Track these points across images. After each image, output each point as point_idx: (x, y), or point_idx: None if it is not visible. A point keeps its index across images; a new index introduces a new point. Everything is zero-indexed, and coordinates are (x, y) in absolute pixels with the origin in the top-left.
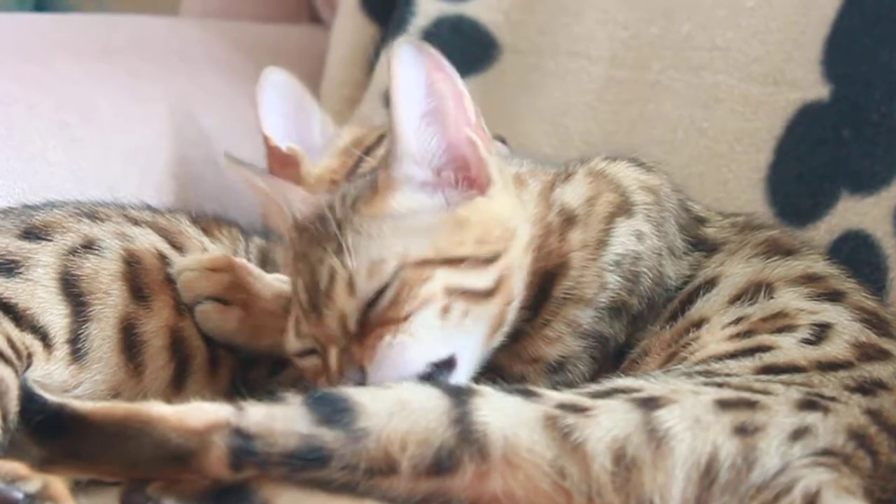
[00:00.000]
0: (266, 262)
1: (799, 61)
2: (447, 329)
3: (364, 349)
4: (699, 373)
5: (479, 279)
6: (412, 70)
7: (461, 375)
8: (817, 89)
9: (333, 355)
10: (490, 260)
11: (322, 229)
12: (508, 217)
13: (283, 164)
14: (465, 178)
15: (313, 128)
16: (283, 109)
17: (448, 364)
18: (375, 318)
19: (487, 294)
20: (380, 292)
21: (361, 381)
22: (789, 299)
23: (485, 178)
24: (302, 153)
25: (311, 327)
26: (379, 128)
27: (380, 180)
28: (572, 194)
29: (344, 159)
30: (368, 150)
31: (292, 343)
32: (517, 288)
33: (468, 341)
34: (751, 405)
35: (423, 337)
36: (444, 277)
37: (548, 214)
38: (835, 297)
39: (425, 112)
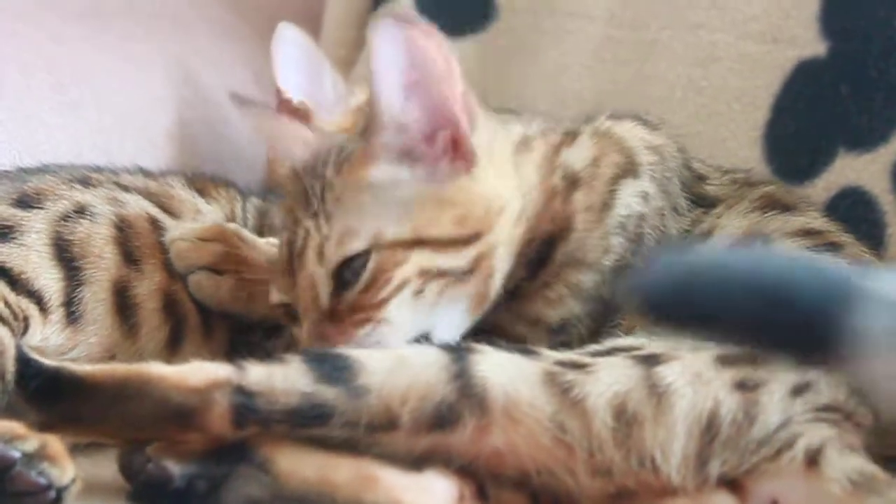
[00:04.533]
0: (263, 224)
1: (797, 18)
2: (421, 309)
3: (342, 334)
4: None
5: (455, 259)
6: (392, 42)
7: None
8: (814, 46)
9: (305, 326)
10: (468, 240)
11: (309, 185)
12: (494, 197)
13: (293, 118)
14: (453, 150)
15: (325, 85)
16: (297, 64)
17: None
18: (349, 300)
19: (464, 273)
20: (346, 265)
21: None
22: (785, 248)
23: (467, 155)
24: (313, 109)
25: (286, 289)
26: None
27: (360, 150)
28: (577, 156)
29: (356, 118)
30: None
31: (274, 294)
32: (500, 262)
33: (444, 318)
34: (751, 360)
35: (399, 323)
36: (418, 260)
37: (551, 178)
38: (832, 248)
39: (407, 83)
